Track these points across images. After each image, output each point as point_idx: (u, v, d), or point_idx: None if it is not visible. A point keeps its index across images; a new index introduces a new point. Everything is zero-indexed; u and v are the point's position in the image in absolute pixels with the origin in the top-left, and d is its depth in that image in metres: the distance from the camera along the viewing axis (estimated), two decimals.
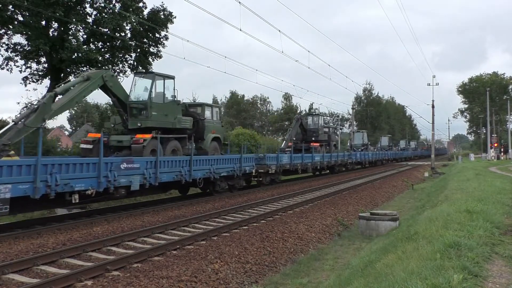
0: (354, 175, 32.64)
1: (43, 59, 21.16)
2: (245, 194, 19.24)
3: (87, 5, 20.99)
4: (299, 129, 32.48)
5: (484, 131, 78.43)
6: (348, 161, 36.53)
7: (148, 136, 14.27)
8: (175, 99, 16.08)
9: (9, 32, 20.09)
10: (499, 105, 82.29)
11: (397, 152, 61.43)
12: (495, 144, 57.49)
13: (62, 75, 21.34)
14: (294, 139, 31.36)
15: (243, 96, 76.69)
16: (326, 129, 36.01)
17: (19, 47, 20.56)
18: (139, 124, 14.69)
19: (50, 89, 21.30)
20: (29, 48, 19.98)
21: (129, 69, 22.98)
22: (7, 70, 20.45)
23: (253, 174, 20.81)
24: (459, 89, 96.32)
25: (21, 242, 9.46)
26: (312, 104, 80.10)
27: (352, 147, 46.17)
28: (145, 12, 22.12)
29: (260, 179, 21.91)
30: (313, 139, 32.38)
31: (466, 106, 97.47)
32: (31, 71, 21.33)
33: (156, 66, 76.13)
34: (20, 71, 21.13)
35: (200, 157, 16.41)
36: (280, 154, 23.75)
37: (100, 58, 20.55)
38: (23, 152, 13.54)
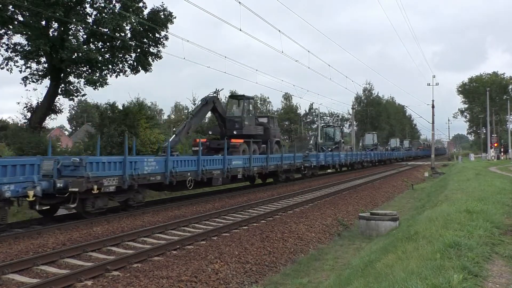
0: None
1: (43, 59, 21.20)
2: (245, 194, 19.26)
3: (87, 5, 21.03)
4: (216, 118, 21.88)
5: (484, 131, 78.48)
6: (304, 165, 26.29)
7: None
8: None
9: (9, 32, 20.13)
10: (499, 105, 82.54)
11: (384, 152, 52.53)
12: (495, 144, 57.52)
13: (62, 75, 21.40)
14: (211, 133, 22.44)
15: None
16: (264, 119, 24.26)
17: (19, 47, 20.61)
18: None
19: (50, 89, 21.38)
20: (29, 48, 20.02)
21: (129, 69, 23.04)
22: (7, 70, 20.50)
23: (29, 199, 10.28)
24: (459, 89, 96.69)
25: (21, 242, 9.46)
26: (312, 104, 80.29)
27: (319, 146, 36.98)
28: (145, 12, 22.16)
29: (73, 205, 11.44)
30: (234, 132, 20.74)
31: (466, 106, 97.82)
32: (31, 71, 21.40)
33: (156, 66, 76.46)
34: (20, 71, 21.19)
35: None
36: (138, 158, 13.89)
37: (100, 58, 20.57)
38: None
